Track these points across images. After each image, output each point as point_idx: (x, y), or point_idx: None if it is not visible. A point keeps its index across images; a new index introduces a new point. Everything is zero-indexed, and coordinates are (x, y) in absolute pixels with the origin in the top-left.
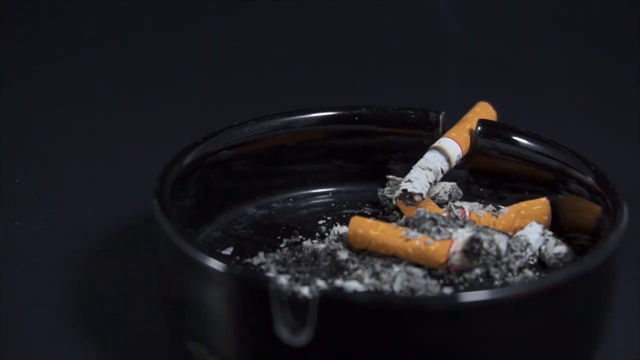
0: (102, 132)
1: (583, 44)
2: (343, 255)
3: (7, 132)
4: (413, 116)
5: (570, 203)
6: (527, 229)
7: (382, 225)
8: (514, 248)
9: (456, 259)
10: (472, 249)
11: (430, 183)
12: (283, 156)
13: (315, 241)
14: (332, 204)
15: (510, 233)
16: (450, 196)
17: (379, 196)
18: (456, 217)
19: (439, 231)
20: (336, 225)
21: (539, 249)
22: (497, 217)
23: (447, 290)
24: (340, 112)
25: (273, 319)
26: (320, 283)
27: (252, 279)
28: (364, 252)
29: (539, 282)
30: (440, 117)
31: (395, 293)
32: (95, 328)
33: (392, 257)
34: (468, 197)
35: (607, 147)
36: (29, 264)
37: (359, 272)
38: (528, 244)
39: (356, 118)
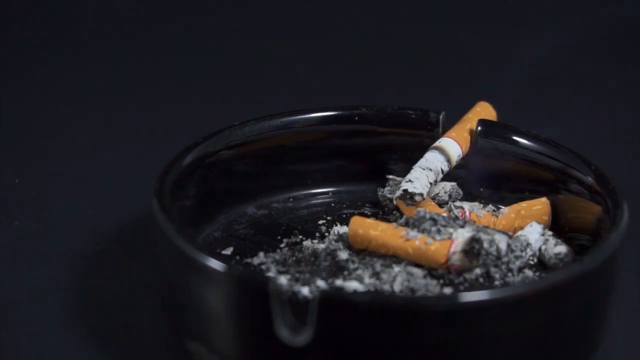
0: (102, 132)
1: (583, 44)
2: (343, 255)
3: (7, 132)
4: (413, 116)
5: (570, 203)
6: (527, 229)
7: (382, 225)
8: (514, 248)
9: (456, 259)
10: (472, 249)
11: (430, 183)
12: (283, 156)
13: (315, 241)
14: (332, 204)
15: (510, 233)
16: (450, 196)
17: (379, 196)
18: (456, 217)
19: (439, 231)
20: (336, 225)
21: (539, 249)
22: (497, 217)
23: (447, 290)
24: (340, 112)
25: (273, 319)
26: (320, 283)
27: (252, 279)
28: (364, 252)
29: (539, 282)
30: (440, 117)
31: (395, 293)
32: (95, 328)
33: (392, 257)
34: (468, 197)
35: (607, 147)
36: (29, 264)
37: (359, 272)
38: (528, 244)
39: (356, 118)
